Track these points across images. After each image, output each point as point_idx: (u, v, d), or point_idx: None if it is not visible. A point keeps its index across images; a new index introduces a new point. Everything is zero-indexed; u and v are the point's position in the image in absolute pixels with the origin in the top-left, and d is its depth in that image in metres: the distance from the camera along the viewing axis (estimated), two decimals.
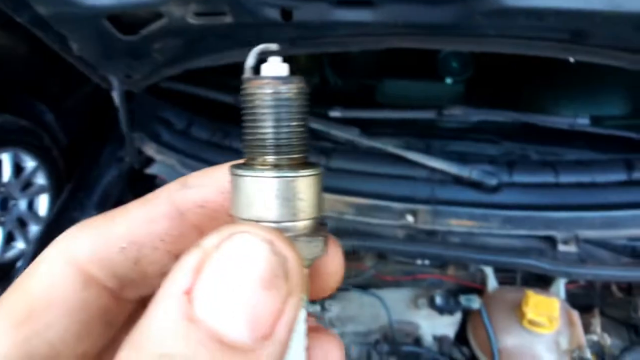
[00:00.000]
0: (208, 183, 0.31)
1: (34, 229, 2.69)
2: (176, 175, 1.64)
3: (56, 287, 0.28)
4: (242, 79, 0.28)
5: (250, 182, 0.27)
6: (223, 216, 0.30)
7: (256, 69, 0.29)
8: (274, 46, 0.30)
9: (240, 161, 0.30)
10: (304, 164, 0.29)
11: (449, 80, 1.82)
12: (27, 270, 0.29)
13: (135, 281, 0.30)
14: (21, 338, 0.26)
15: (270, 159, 0.28)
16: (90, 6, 1.25)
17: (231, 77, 1.99)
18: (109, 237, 0.29)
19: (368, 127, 1.69)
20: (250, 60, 0.29)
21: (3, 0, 1.27)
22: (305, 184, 0.28)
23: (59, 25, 1.34)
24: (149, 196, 0.31)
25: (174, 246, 0.30)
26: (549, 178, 1.54)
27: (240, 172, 0.28)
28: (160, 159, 1.65)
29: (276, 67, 0.29)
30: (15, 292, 0.28)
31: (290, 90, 0.28)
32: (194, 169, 1.61)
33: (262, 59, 0.29)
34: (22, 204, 2.63)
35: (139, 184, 1.70)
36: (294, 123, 0.28)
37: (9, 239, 2.62)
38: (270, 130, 0.28)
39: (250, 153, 0.29)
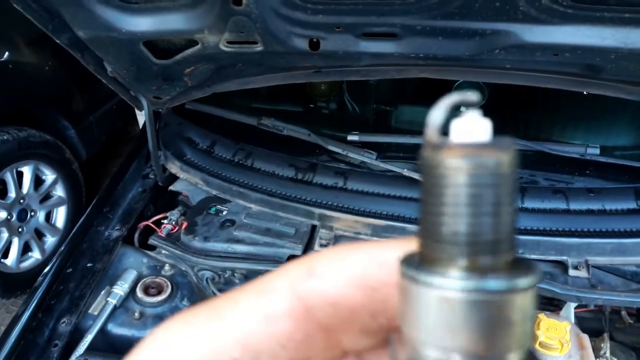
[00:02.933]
0: (343, 272, 0.23)
1: (50, 240, 2.75)
2: (199, 193, 1.70)
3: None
4: (425, 143, 0.20)
5: (436, 295, 0.19)
6: (363, 318, 0.23)
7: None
8: (473, 96, 0.21)
9: (412, 247, 0.22)
10: (514, 267, 0.19)
11: (462, 108, 1.88)
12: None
13: None
14: None
15: (466, 261, 0.19)
16: (129, 32, 1.32)
17: (253, 100, 2.07)
18: (217, 342, 0.23)
19: (384, 151, 1.75)
20: (437, 116, 0.20)
21: (44, 23, 1.34)
22: (520, 300, 0.19)
23: (97, 48, 1.41)
24: (264, 284, 0.24)
25: (296, 354, 0.23)
26: (560, 204, 1.60)
27: (420, 276, 0.19)
28: (184, 177, 1.71)
29: (474, 125, 0.20)
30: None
31: (501, 162, 0.19)
32: (216, 187, 1.67)
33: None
34: (40, 216, 2.69)
35: (162, 200, 1.76)
36: (504, 209, 0.19)
37: (25, 249, 2.68)
38: (469, 219, 0.19)
39: (431, 246, 0.20)
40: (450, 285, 0.19)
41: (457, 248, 0.19)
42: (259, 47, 1.36)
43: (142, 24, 1.31)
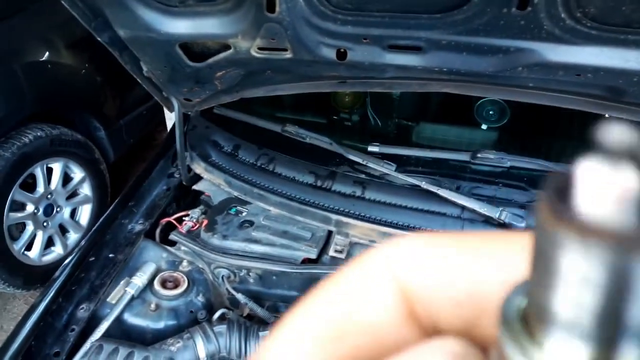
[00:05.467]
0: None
1: (73, 236, 2.83)
2: (221, 193, 1.75)
3: (381, 323, 0.20)
4: (540, 207, 0.14)
5: None
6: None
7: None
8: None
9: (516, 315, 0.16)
10: None
11: (484, 127, 1.91)
12: (350, 282, 0.21)
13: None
14: None
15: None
16: (167, 33, 1.39)
17: (277, 109, 2.13)
18: (449, 282, 0.20)
19: (403, 164, 1.78)
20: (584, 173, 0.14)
21: (88, 21, 1.42)
22: None
23: (136, 47, 1.49)
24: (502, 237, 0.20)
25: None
26: None
27: None
28: (207, 177, 1.76)
29: (614, 179, 0.13)
30: (332, 307, 0.21)
31: None
32: (238, 189, 1.72)
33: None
34: (66, 212, 2.77)
35: (185, 198, 1.81)
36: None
37: (48, 244, 2.75)
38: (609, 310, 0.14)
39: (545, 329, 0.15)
40: None
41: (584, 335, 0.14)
42: (288, 55, 1.41)
43: (179, 26, 1.38)
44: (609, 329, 0.14)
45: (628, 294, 0.13)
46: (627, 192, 0.13)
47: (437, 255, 0.20)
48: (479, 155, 1.67)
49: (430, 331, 0.20)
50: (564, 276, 0.14)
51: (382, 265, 0.21)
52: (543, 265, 0.14)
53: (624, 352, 0.14)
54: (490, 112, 1.84)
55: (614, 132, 0.13)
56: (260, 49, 1.41)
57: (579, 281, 0.14)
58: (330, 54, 1.38)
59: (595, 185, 0.13)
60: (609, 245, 0.13)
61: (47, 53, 2.62)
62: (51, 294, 1.47)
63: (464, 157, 1.71)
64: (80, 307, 1.47)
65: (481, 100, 1.81)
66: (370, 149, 1.77)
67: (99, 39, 1.46)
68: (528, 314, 0.16)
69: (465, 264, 0.20)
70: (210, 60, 1.48)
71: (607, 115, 1.48)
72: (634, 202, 0.13)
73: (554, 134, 1.98)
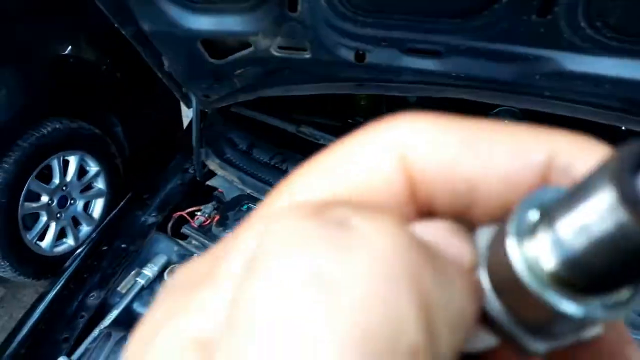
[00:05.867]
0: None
1: (85, 229, 2.86)
2: (234, 190, 1.76)
3: (380, 189, 0.20)
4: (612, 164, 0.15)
5: None
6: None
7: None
8: None
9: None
10: None
11: None
12: (352, 147, 0.20)
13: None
14: None
15: None
16: (189, 29, 1.42)
17: (293, 111, 2.14)
18: (450, 168, 0.19)
19: None
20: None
21: (114, 14, 1.45)
22: None
23: (158, 42, 1.52)
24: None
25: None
26: None
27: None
28: (221, 174, 1.78)
29: None
30: (336, 173, 0.20)
31: None
32: (251, 186, 1.73)
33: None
34: (80, 204, 2.81)
35: (199, 194, 1.83)
36: None
37: (61, 235, 2.79)
38: None
39: None
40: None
41: None
42: (307, 55, 1.43)
43: (202, 23, 1.41)
44: (584, 275, 0.16)
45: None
46: None
47: (442, 139, 0.20)
48: None
49: (426, 213, 0.20)
50: (593, 226, 0.15)
51: (390, 141, 0.20)
52: (582, 201, 0.15)
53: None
54: (506, 122, 1.84)
55: None
56: (280, 47, 1.43)
57: (599, 238, 0.15)
58: (349, 55, 1.40)
59: None
60: None
61: (69, 47, 2.67)
62: (62, 281, 1.49)
63: None
64: (91, 294, 1.49)
65: (497, 109, 1.81)
66: None
67: (123, 32, 1.49)
68: (542, 215, 0.17)
69: (469, 152, 0.19)
70: (231, 58, 1.50)
71: (623, 128, 1.48)
72: None
73: None
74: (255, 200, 1.69)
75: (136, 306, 1.46)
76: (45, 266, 2.69)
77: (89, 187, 2.84)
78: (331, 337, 0.14)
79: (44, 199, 2.64)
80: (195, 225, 1.66)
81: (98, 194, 2.87)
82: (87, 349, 1.35)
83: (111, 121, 2.95)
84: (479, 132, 0.20)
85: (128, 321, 1.43)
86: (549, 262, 0.16)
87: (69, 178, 2.72)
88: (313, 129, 1.84)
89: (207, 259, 0.20)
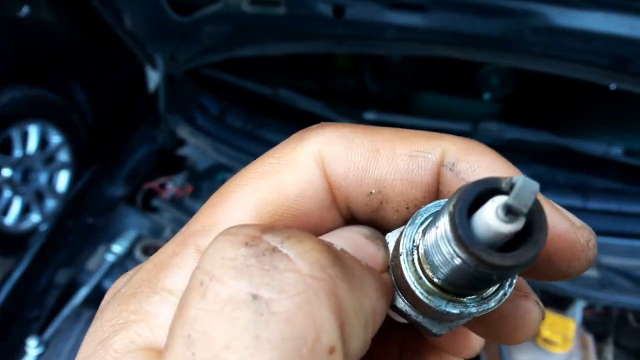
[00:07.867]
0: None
1: (50, 203, 2.72)
2: (207, 159, 1.66)
3: (307, 196, 0.23)
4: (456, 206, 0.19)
5: None
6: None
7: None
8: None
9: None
10: None
11: (487, 96, 1.84)
12: (278, 158, 0.24)
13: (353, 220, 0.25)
14: None
15: None
16: None
17: (269, 73, 2.03)
18: (365, 173, 0.23)
19: None
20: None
21: None
22: None
23: None
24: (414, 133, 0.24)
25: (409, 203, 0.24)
26: (576, 202, 1.55)
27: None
28: (193, 142, 1.68)
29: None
30: (266, 180, 0.24)
31: None
32: (225, 154, 1.64)
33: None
34: (43, 178, 2.66)
35: (168, 163, 1.72)
36: None
37: (25, 210, 2.65)
38: None
39: None
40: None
41: None
42: (281, 10, 1.32)
43: None
44: (452, 286, 0.21)
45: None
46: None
47: (354, 149, 0.23)
48: (480, 125, 1.61)
49: (348, 219, 0.25)
50: (445, 255, 0.20)
51: (312, 154, 0.24)
52: (437, 229, 0.20)
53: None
54: (494, 81, 1.77)
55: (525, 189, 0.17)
56: (251, 2, 1.31)
57: (452, 266, 0.20)
58: (327, 10, 1.30)
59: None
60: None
61: (26, 8, 2.46)
62: (27, 259, 1.39)
63: (464, 127, 1.64)
64: (59, 272, 1.39)
65: (485, 69, 1.73)
66: (367, 116, 1.70)
67: None
68: (423, 232, 0.23)
69: (376, 158, 0.23)
70: (197, 14, 1.38)
71: (611, 87, 1.43)
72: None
73: (560, 107, 1.92)
74: (231, 170, 1.60)
75: (107, 284, 1.37)
76: (10, 243, 2.55)
77: (52, 159, 2.68)
78: (267, 345, 0.17)
79: (5, 172, 2.49)
80: (167, 198, 1.56)
81: (62, 166, 2.72)
82: (57, 330, 1.27)
83: (73, 88, 2.77)
84: (384, 139, 0.24)
85: (98, 299, 1.34)
86: (428, 275, 0.22)
87: (30, 150, 2.56)
88: (291, 92, 1.73)
89: (147, 268, 0.23)
